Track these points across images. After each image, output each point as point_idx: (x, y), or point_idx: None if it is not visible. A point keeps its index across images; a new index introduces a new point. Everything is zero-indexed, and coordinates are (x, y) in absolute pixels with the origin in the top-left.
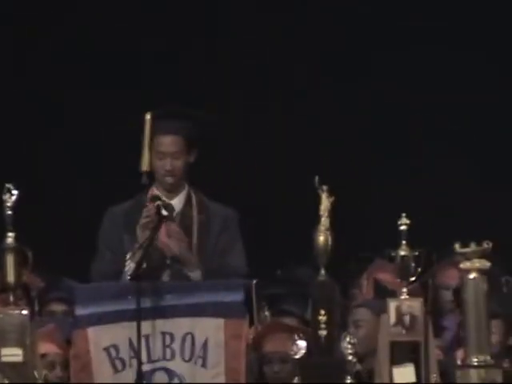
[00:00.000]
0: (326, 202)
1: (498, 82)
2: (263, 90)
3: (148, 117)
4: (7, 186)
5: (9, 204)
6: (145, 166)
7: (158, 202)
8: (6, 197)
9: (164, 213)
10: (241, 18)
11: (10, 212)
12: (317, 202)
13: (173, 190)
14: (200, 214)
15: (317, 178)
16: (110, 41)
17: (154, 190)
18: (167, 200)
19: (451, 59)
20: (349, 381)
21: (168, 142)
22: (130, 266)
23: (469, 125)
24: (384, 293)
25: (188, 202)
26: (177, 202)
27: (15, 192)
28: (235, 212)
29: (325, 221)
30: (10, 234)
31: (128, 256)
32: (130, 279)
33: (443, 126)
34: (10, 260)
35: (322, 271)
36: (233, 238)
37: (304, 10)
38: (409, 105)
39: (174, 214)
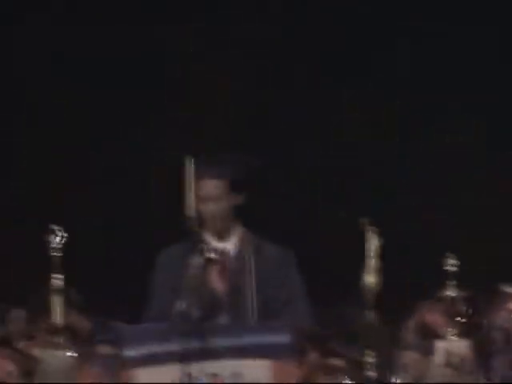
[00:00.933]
0: (374, 242)
1: (500, 85)
2: (263, 90)
3: (189, 163)
4: (53, 227)
5: (55, 246)
6: (190, 211)
7: (203, 245)
8: (52, 239)
9: (212, 255)
10: (240, 18)
11: (56, 254)
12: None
13: (222, 234)
14: (256, 255)
15: (364, 220)
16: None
17: (205, 235)
18: (216, 244)
19: (451, 59)
20: None
21: (209, 186)
22: (179, 306)
23: (469, 124)
24: (432, 334)
25: (243, 244)
26: (229, 246)
27: (61, 234)
28: (292, 252)
29: (373, 261)
30: (58, 276)
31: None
32: (177, 320)
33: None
34: (57, 302)
35: (371, 313)
36: (295, 282)
37: (304, 9)
38: (409, 105)
39: (229, 257)
